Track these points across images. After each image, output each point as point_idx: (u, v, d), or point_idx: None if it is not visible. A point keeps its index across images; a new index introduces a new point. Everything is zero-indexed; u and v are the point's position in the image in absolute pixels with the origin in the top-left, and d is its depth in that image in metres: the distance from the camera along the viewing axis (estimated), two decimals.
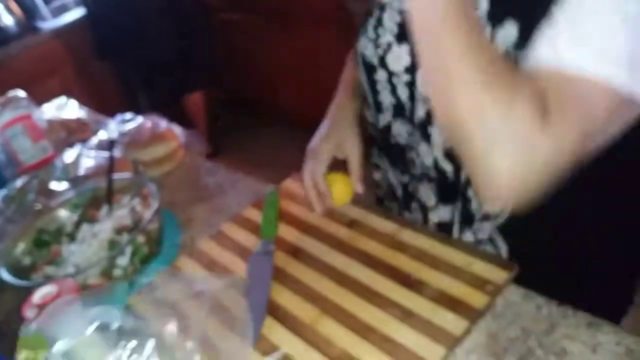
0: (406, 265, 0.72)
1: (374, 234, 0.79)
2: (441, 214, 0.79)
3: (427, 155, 0.75)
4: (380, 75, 0.77)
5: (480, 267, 0.69)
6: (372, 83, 0.80)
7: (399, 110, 0.77)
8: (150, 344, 0.57)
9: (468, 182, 0.72)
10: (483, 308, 0.64)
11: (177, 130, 1.21)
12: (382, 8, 0.77)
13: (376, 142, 0.89)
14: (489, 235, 0.75)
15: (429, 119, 0.71)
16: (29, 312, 0.63)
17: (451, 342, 0.61)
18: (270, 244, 0.82)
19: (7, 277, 0.80)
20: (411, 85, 0.73)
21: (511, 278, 0.67)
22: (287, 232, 0.84)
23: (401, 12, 0.72)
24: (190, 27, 2.93)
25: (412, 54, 0.71)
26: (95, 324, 0.58)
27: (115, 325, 0.58)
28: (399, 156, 0.82)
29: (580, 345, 0.59)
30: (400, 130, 0.79)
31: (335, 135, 0.85)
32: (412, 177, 0.81)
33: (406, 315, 0.65)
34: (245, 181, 1.06)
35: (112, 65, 3.06)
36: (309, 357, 0.64)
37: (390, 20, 0.75)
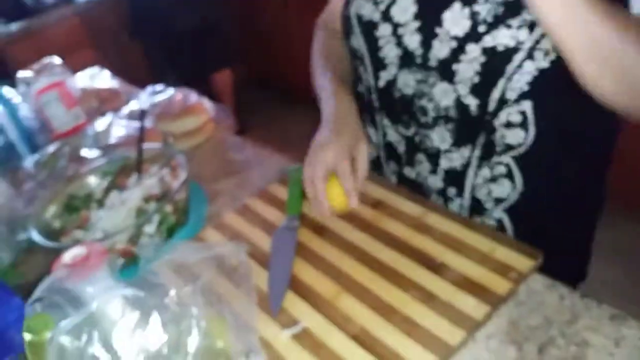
0: (430, 247, 0.72)
1: (399, 216, 0.79)
2: (454, 157, 0.81)
3: (446, 95, 0.76)
4: (384, 30, 0.80)
5: (505, 254, 0.68)
6: (373, 41, 0.82)
7: (406, 60, 0.79)
8: (154, 317, 0.58)
9: (496, 113, 0.74)
10: (505, 294, 0.64)
11: (207, 104, 1.22)
12: None
13: (372, 105, 0.89)
14: (507, 171, 0.79)
15: (454, 57, 0.73)
16: (58, 272, 0.65)
17: (472, 326, 0.61)
18: (294, 220, 0.82)
19: (37, 238, 0.82)
20: (423, 29, 0.75)
21: (536, 266, 0.67)
22: (311, 210, 0.84)
23: None
24: (215, 4, 2.91)
25: (419, 1, 0.76)
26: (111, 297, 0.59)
27: (120, 295, 0.59)
28: (404, 109, 0.83)
29: (602, 337, 0.59)
30: (407, 80, 0.80)
31: (348, 134, 0.81)
32: (419, 126, 0.82)
33: (428, 298, 0.65)
34: (272, 158, 1.06)
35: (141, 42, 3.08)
36: (328, 332, 0.64)
37: None
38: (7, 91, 1.31)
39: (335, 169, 0.77)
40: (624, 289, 1.82)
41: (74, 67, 1.53)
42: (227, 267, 0.70)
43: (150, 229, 0.82)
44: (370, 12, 0.81)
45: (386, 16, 0.79)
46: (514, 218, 0.83)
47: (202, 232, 0.87)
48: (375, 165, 0.96)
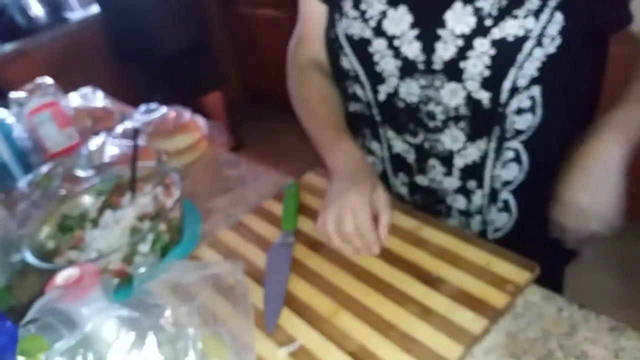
0: (426, 262, 0.72)
1: (395, 230, 0.79)
2: (469, 153, 0.82)
3: (455, 95, 0.77)
4: (378, 45, 0.80)
5: (501, 267, 0.68)
6: (367, 58, 0.82)
7: (407, 69, 0.79)
8: (150, 338, 0.57)
9: (508, 102, 0.75)
10: (503, 307, 0.63)
11: (201, 121, 1.22)
12: None
13: (373, 120, 0.89)
14: (515, 155, 0.81)
15: (461, 55, 0.74)
16: (52, 292, 0.64)
17: (470, 340, 0.60)
18: (290, 236, 0.82)
19: (31, 260, 0.81)
20: (423, 36, 0.76)
21: (532, 278, 0.67)
22: (307, 225, 0.84)
23: None
24: (201, 26, 2.79)
25: (413, 10, 0.76)
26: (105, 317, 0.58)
27: (115, 316, 0.58)
28: (410, 117, 0.83)
29: (602, 349, 0.58)
30: (411, 89, 0.80)
31: (364, 182, 0.77)
32: (428, 131, 0.83)
33: (425, 313, 0.65)
34: (266, 174, 1.06)
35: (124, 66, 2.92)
36: (325, 350, 0.64)
37: None
38: (0, 112, 1.31)
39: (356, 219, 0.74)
40: (619, 294, 1.83)
41: (67, 87, 1.53)
42: (224, 287, 0.70)
43: (144, 248, 0.82)
44: (360, 30, 0.81)
45: (379, 31, 0.79)
46: (519, 198, 0.85)
47: (197, 250, 0.86)
48: (382, 180, 0.95)
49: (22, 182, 1.13)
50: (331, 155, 0.84)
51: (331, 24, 0.87)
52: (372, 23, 0.80)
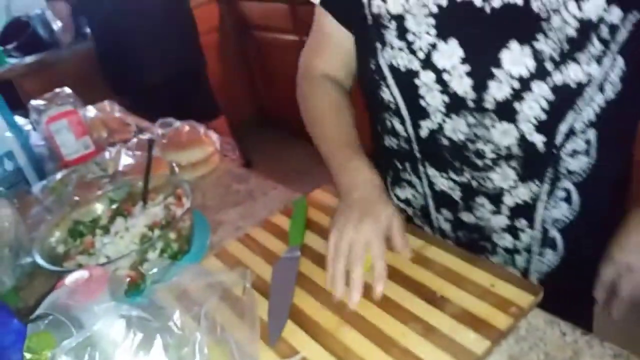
0: (430, 281, 0.72)
1: None
2: (520, 193, 0.79)
3: (507, 135, 0.74)
4: (426, 78, 0.76)
5: (506, 289, 0.68)
6: (412, 90, 0.78)
7: (455, 105, 0.76)
8: (157, 340, 0.57)
9: (563, 144, 0.73)
10: (506, 329, 0.63)
11: (214, 136, 1.24)
12: (397, 18, 0.77)
13: (412, 155, 0.86)
14: (566, 195, 0.79)
15: (517, 96, 0.70)
16: (60, 290, 0.65)
17: None
18: (296, 250, 0.82)
19: (41, 262, 0.82)
20: (474, 72, 0.72)
21: (537, 301, 0.67)
22: (313, 241, 0.85)
23: (432, 14, 0.74)
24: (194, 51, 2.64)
25: (464, 45, 0.72)
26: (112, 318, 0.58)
27: (124, 316, 0.58)
28: (455, 155, 0.80)
29: None
30: (458, 126, 0.77)
31: (378, 211, 0.76)
32: (476, 170, 0.80)
33: (428, 331, 0.65)
34: (275, 190, 1.07)
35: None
36: None
37: (418, 25, 0.75)
38: (19, 120, 1.34)
39: (370, 250, 0.73)
40: (627, 326, 1.80)
41: (85, 100, 1.56)
42: (231, 296, 0.70)
43: (153, 255, 0.82)
44: (408, 62, 0.77)
45: (428, 63, 0.75)
46: (567, 237, 0.83)
47: (204, 260, 0.87)
48: (422, 214, 0.94)
49: (36, 187, 1.15)
50: (343, 177, 0.82)
51: (372, 54, 0.82)
52: (421, 55, 0.76)
